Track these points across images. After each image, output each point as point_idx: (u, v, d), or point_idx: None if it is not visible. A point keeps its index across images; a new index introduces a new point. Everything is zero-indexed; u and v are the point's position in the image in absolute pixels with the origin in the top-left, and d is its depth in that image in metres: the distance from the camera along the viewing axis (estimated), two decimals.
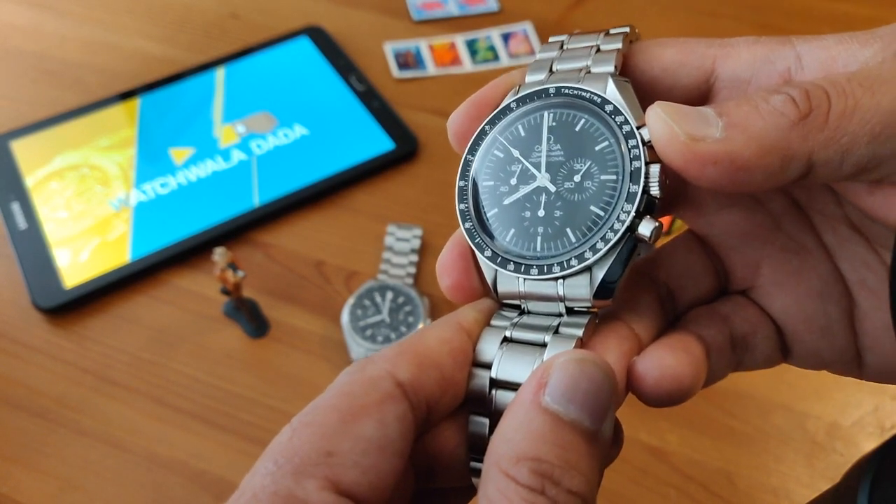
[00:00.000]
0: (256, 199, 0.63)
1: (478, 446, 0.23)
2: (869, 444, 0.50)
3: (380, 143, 0.67)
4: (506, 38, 0.76)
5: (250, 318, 0.56)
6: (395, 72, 0.73)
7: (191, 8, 0.79)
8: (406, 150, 0.66)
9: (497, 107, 0.26)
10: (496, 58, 0.74)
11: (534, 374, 0.21)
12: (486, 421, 0.23)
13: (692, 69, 0.25)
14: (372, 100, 0.70)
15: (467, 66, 0.74)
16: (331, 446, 0.20)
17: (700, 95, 0.25)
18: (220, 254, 0.53)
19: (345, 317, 0.55)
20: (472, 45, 0.75)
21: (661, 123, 0.21)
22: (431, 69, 0.73)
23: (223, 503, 0.20)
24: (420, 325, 0.54)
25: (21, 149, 0.66)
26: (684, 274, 0.27)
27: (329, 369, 0.54)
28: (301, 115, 0.69)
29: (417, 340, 0.23)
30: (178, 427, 0.51)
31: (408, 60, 0.74)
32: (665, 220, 0.53)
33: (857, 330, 0.26)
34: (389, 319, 0.55)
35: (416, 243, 0.59)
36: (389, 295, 0.56)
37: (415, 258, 0.59)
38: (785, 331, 0.26)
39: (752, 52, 0.24)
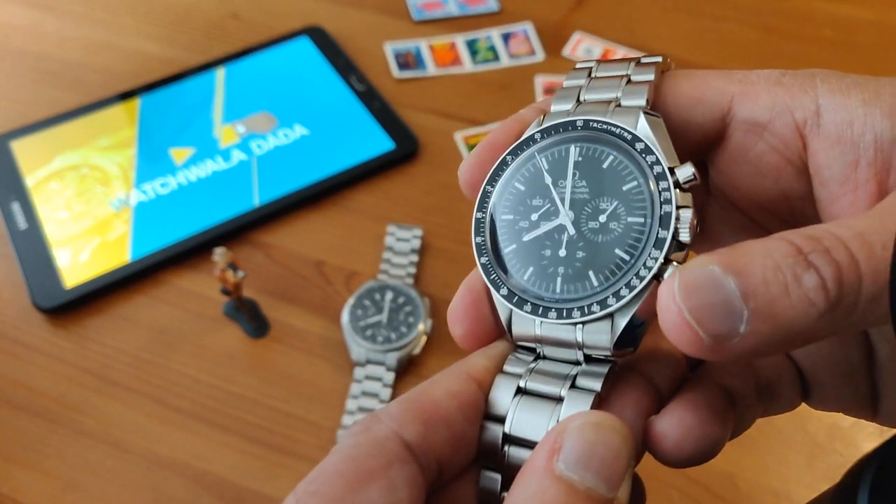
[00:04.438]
0: (256, 199, 0.63)
1: (490, 503, 0.22)
2: (869, 445, 0.50)
3: (380, 143, 0.67)
4: (506, 38, 0.76)
5: (250, 318, 0.56)
6: (396, 72, 0.73)
7: (191, 8, 0.79)
8: (406, 150, 0.66)
9: (508, 147, 0.25)
10: (496, 58, 0.74)
11: (547, 437, 0.20)
12: (499, 477, 0.22)
13: (708, 107, 0.24)
14: (372, 100, 0.70)
15: (468, 66, 0.74)
16: None
17: (715, 132, 0.24)
18: (220, 254, 0.53)
19: (345, 317, 0.55)
20: (472, 46, 0.75)
21: (683, 325, 0.19)
22: (432, 69, 0.73)
23: None
24: (420, 326, 0.54)
25: (21, 149, 0.66)
26: None
27: (329, 369, 0.54)
28: (301, 115, 0.69)
29: (424, 394, 0.22)
30: (178, 427, 0.51)
31: (408, 60, 0.74)
32: None
33: (875, 377, 0.25)
34: (389, 320, 0.55)
35: (417, 243, 0.59)
36: (389, 295, 0.56)
37: (415, 258, 0.59)
38: (806, 375, 0.26)
39: (772, 95, 0.23)
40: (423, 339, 0.54)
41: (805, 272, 0.18)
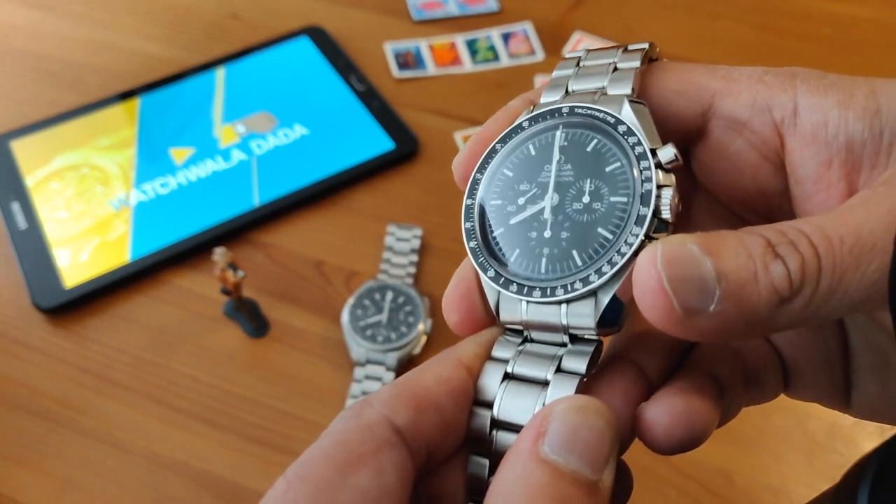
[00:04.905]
0: (256, 199, 0.63)
1: (477, 488, 0.23)
2: (869, 444, 0.50)
3: (380, 143, 0.67)
4: (506, 38, 0.76)
5: (250, 318, 0.56)
6: (395, 72, 0.73)
7: (191, 8, 0.79)
8: (406, 150, 0.66)
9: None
10: (496, 58, 0.74)
11: (532, 421, 0.20)
12: (486, 462, 0.22)
13: (690, 101, 0.24)
14: (372, 100, 0.70)
15: (467, 66, 0.74)
16: (327, 500, 0.19)
17: (696, 126, 0.25)
18: (220, 254, 0.53)
19: (345, 317, 0.55)
20: (472, 45, 0.75)
21: (659, 293, 0.19)
22: (431, 69, 0.73)
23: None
24: (420, 326, 0.54)
25: (21, 149, 0.66)
26: None
27: (329, 369, 0.54)
28: (301, 115, 0.69)
29: (415, 380, 0.22)
30: (178, 427, 0.51)
31: (408, 60, 0.74)
32: None
33: (849, 367, 0.26)
34: (389, 319, 0.55)
35: (416, 243, 0.59)
36: (389, 295, 0.56)
37: (415, 258, 0.59)
38: (788, 363, 0.26)
39: (753, 92, 0.24)
40: (423, 338, 0.54)
41: (773, 262, 0.19)
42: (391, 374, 0.53)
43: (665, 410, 0.22)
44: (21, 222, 0.61)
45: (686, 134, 0.25)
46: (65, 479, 0.49)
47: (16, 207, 0.62)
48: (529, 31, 0.76)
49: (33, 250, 0.59)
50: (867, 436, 0.50)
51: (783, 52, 0.75)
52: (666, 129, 0.25)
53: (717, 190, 0.26)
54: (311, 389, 0.53)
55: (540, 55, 0.74)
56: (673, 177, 0.23)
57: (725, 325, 0.19)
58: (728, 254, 0.19)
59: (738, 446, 0.50)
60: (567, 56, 0.27)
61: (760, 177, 0.25)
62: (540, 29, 0.76)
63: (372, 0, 0.79)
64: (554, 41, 0.75)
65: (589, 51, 0.26)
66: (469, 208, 0.25)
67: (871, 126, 0.22)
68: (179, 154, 0.66)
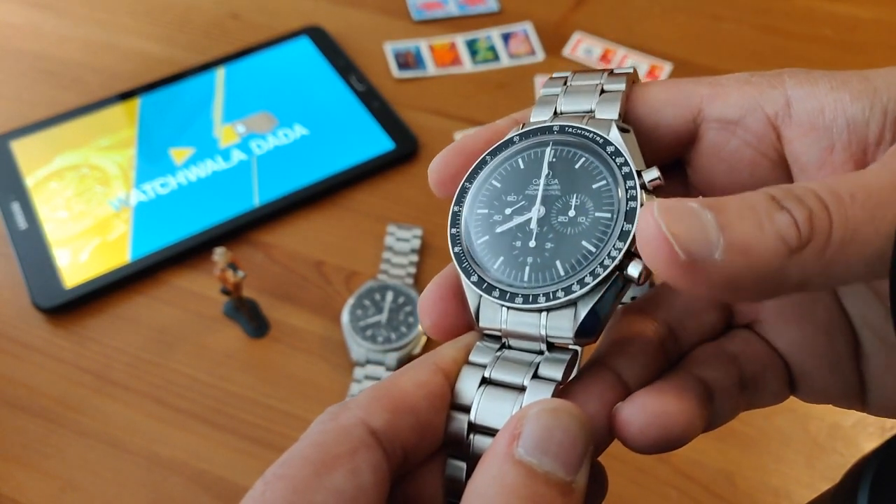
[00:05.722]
0: (256, 199, 0.63)
1: (455, 491, 0.23)
2: (870, 445, 0.50)
3: (380, 143, 0.67)
4: (506, 38, 0.76)
5: (250, 318, 0.56)
6: (395, 72, 0.73)
7: (191, 8, 0.79)
8: (406, 150, 0.66)
9: (478, 152, 0.26)
10: (496, 58, 0.74)
11: (508, 423, 0.20)
12: (464, 465, 0.23)
13: (679, 108, 0.25)
14: (372, 100, 0.70)
15: (467, 66, 0.74)
16: (303, 500, 0.20)
17: (688, 133, 0.25)
18: (220, 254, 0.53)
19: (345, 317, 0.55)
20: (472, 46, 0.75)
21: (659, 238, 0.19)
22: (431, 69, 0.73)
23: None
24: (420, 326, 0.54)
25: (21, 149, 0.66)
26: (685, 311, 0.26)
27: (329, 369, 0.54)
28: (301, 115, 0.69)
29: (393, 384, 0.23)
30: (178, 427, 0.51)
31: (408, 60, 0.74)
32: None
33: (862, 367, 0.26)
34: (389, 320, 0.55)
35: (416, 243, 0.59)
36: (389, 295, 0.56)
37: (415, 258, 0.59)
38: (792, 366, 0.26)
39: (742, 93, 0.24)
40: (423, 339, 0.54)
41: (778, 212, 0.19)
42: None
43: (639, 410, 0.22)
44: (21, 222, 0.61)
45: (678, 141, 0.25)
46: (64, 479, 0.49)
47: (16, 207, 0.62)
48: (529, 32, 0.76)
49: (33, 250, 0.59)
50: (868, 436, 0.50)
51: (784, 54, 0.75)
52: (658, 137, 0.25)
53: (715, 193, 0.26)
54: (310, 389, 0.53)
55: (540, 55, 0.74)
56: (654, 197, 0.23)
57: (736, 277, 0.19)
58: (729, 208, 0.19)
59: (739, 447, 0.50)
60: (554, 76, 0.27)
61: (758, 173, 0.25)
62: (540, 29, 0.76)
63: (372, 0, 0.79)
64: (554, 41, 0.75)
65: (575, 72, 0.27)
66: (456, 215, 0.26)
67: (873, 105, 0.22)
68: (179, 154, 0.66)
